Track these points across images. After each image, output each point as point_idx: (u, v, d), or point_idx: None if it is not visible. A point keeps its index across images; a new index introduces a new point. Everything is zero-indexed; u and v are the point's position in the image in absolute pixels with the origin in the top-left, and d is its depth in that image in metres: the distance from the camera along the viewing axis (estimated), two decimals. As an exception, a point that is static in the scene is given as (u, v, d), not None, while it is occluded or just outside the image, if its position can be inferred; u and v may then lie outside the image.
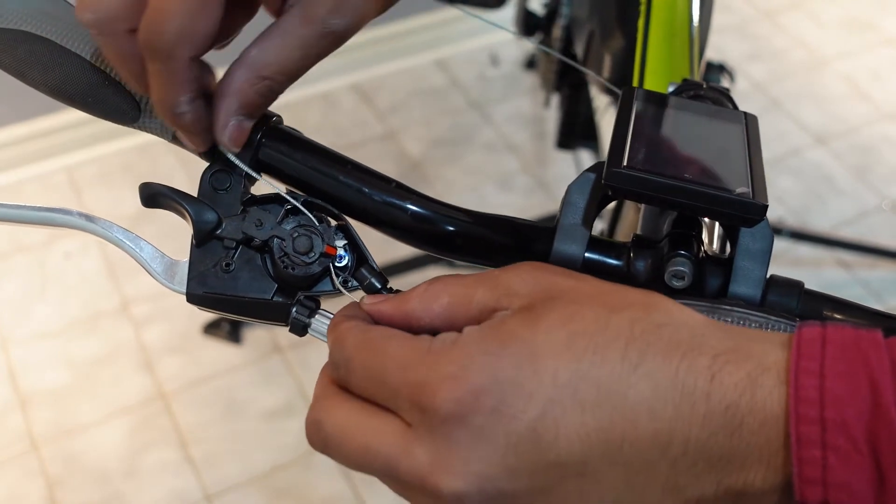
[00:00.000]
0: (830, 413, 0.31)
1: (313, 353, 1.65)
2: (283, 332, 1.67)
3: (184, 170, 1.86)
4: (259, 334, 1.68)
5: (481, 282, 0.37)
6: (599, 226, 0.84)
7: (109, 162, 1.94)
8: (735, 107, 0.49)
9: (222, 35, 0.42)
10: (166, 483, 1.49)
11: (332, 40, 0.41)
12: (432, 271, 1.71)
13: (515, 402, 0.33)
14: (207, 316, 1.67)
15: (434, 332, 0.37)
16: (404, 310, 0.38)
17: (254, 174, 0.44)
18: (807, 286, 0.43)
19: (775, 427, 0.32)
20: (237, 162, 0.44)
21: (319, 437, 0.37)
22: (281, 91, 0.42)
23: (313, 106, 2.07)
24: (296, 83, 0.44)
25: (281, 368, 1.63)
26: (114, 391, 1.60)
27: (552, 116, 1.60)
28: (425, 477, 0.33)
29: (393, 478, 0.35)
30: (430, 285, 0.38)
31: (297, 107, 2.05)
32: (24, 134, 1.91)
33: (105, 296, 1.73)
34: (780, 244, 1.80)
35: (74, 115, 1.95)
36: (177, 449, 1.53)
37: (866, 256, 1.80)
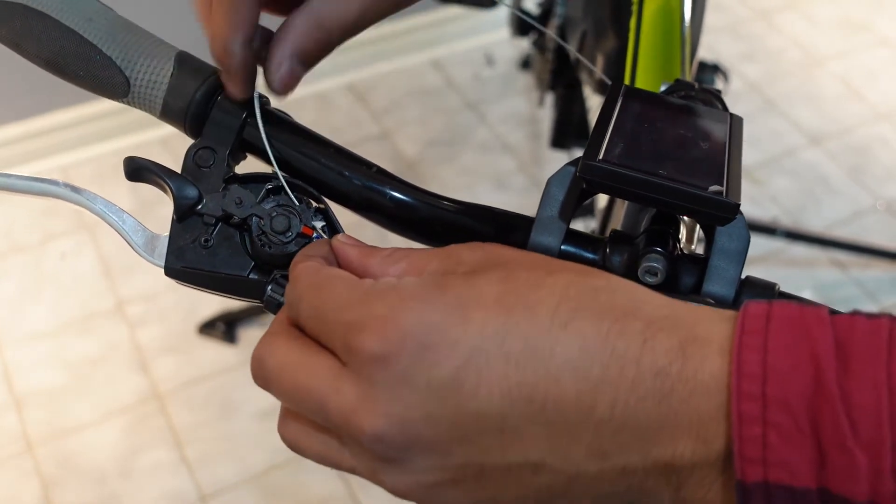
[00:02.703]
0: (772, 389, 0.30)
1: (308, 353, 1.65)
2: (278, 332, 1.67)
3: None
4: (254, 334, 1.68)
5: (437, 254, 0.38)
6: (592, 226, 0.84)
7: (104, 162, 1.94)
8: (725, 108, 0.49)
9: None
10: (161, 483, 1.49)
11: (394, 3, 0.43)
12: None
13: (440, 348, 0.33)
14: (202, 316, 1.67)
15: None
16: (364, 263, 0.39)
17: (274, 162, 0.45)
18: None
19: (706, 398, 0.31)
20: (270, 153, 0.45)
21: (261, 373, 0.37)
22: (335, 45, 0.43)
23: (308, 105, 2.07)
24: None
25: (276, 368, 1.63)
26: (109, 391, 1.60)
27: (547, 116, 1.60)
28: (350, 415, 0.33)
29: (324, 417, 0.35)
30: (394, 251, 0.39)
31: (292, 106, 2.02)
32: (18, 133, 1.90)
33: (100, 296, 1.73)
34: (774, 244, 1.80)
35: (69, 114, 1.95)
36: (172, 449, 1.53)
37: (861, 256, 1.80)
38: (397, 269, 0.38)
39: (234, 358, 1.65)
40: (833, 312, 0.32)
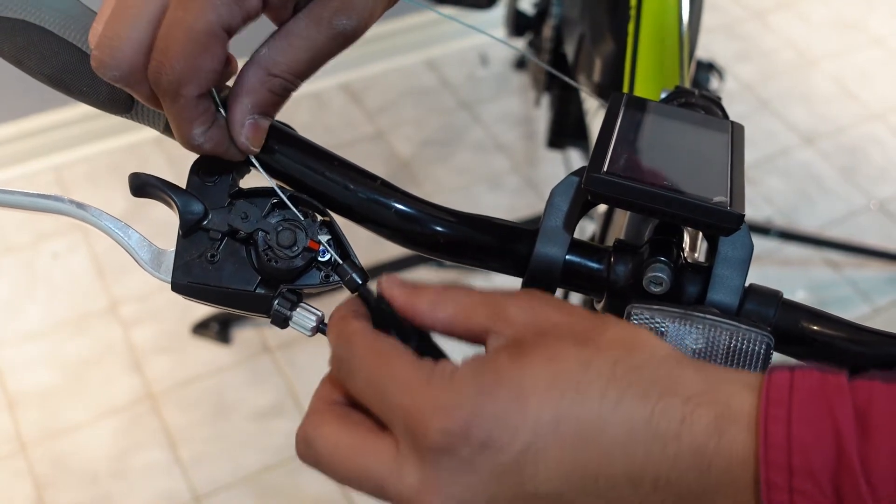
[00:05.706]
0: (797, 460, 0.32)
1: (302, 354, 1.65)
2: (271, 333, 1.67)
3: (172, 169, 1.86)
4: (248, 335, 1.67)
5: (484, 302, 0.39)
6: (591, 229, 0.84)
7: (98, 162, 1.94)
8: (725, 115, 0.49)
9: (230, 70, 0.43)
10: (155, 484, 1.49)
11: (342, 41, 0.43)
12: (420, 272, 1.71)
13: (502, 437, 0.34)
14: (196, 316, 1.66)
15: (432, 331, 0.39)
16: (413, 305, 0.39)
17: (263, 174, 0.44)
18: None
19: (741, 469, 0.33)
20: (267, 177, 0.45)
21: (310, 454, 0.38)
22: (294, 88, 0.43)
23: (303, 105, 2.07)
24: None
25: (270, 368, 1.63)
26: (102, 392, 1.59)
27: (542, 116, 1.60)
28: (412, 498, 0.35)
29: (381, 496, 0.36)
30: (442, 292, 0.40)
31: (286, 106, 2.04)
32: (12, 133, 1.90)
33: (94, 296, 1.72)
34: (768, 244, 1.80)
35: (63, 114, 1.94)
36: (166, 449, 1.53)
37: (854, 256, 1.81)
38: (446, 314, 0.39)
39: (228, 358, 1.64)
40: (851, 377, 0.34)
